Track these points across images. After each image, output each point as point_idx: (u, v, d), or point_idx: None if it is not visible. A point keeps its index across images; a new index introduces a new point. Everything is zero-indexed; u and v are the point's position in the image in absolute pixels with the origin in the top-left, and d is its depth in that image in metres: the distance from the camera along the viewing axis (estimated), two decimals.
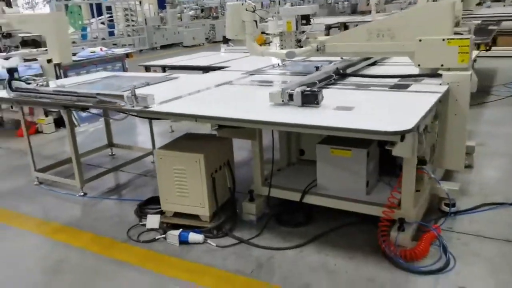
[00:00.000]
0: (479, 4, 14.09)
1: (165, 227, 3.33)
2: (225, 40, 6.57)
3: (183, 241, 3.14)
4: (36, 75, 6.18)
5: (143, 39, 16.48)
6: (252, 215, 3.42)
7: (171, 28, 17.47)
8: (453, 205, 3.33)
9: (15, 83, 3.80)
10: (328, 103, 2.84)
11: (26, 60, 6.43)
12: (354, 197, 3.14)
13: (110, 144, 5.18)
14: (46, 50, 6.60)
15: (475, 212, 3.36)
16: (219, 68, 4.78)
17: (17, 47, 7.38)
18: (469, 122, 5.65)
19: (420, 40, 3.36)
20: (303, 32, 3.96)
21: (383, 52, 3.79)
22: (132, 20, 16.28)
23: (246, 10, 3.70)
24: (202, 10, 20.85)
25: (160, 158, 3.23)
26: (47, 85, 3.83)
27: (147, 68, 5.78)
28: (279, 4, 19.58)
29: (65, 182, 4.23)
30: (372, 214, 3.03)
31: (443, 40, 3.27)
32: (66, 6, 13.46)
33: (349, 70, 3.84)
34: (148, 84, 3.65)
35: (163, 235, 3.22)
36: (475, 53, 4.50)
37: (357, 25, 8.09)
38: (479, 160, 4.31)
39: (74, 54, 6.96)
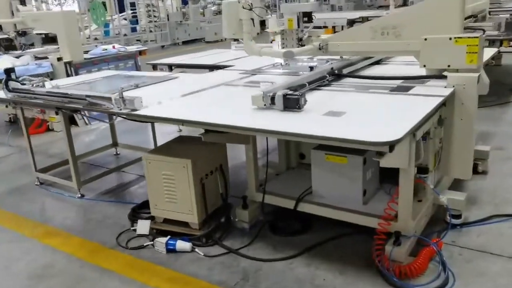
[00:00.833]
0: None
1: (155, 234, 3.24)
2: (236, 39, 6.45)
3: (170, 249, 3.04)
4: (47, 74, 6.31)
5: (165, 35, 16.52)
6: (245, 223, 3.28)
7: (193, 24, 17.44)
8: (459, 216, 3.10)
9: (12, 84, 3.77)
10: (317, 108, 2.67)
11: (38, 58, 6.46)
12: (350, 207, 2.96)
13: (115, 144, 5.14)
14: (58, 48, 6.62)
15: (484, 224, 3.12)
16: (224, 67, 4.66)
17: (32, 45, 7.43)
18: (489, 123, 5.47)
19: (425, 39, 3.13)
20: (305, 30, 3.80)
21: (387, 51, 3.57)
22: (155, 16, 16.32)
23: (243, 7, 3.55)
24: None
25: (148, 162, 3.14)
26: (43, 86, 3.78)
27: (154, 67, 5.73)
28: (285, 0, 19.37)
29: (64, 184, 4.20)
30: (368, 225, 2.85)
31: (450, 39, 3.03)
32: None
33: (348, 70, 3.65)
34: (137, 86, 3.55)
35: (152, 242, 3.13)
36: (491, 51, 4.19)
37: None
38: (495, 165, 4.04)
39: (86, 52, 6.98)
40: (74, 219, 3.72)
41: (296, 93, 2.67)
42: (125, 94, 3.01)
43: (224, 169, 3.33)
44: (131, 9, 16.37)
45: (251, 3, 3.50)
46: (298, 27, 3.80)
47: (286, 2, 21.20)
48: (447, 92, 2.87)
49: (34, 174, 4.42)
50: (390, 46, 3.38)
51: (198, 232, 3.12)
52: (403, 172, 2.66)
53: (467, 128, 2.99)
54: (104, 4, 15.35)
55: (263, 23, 3.85)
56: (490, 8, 9.12)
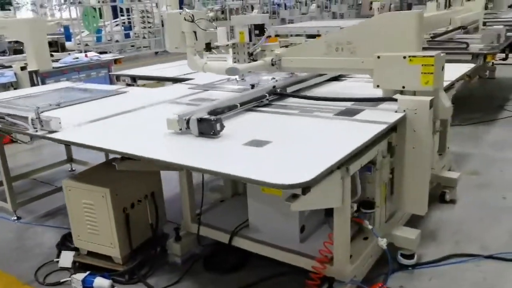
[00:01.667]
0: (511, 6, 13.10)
1: (77, 267, 2.94)
2: (208, 48, 6.17)
3: (88, 287, 2.74)
4: (11, 83, 6.07)
5: (159, 41, 16.29)
6: (177, 257, 2.98)
7: None
8: (411, 256, 2.77)
9: None
10: (241, 134, 2.37)
11: (4, 67, 6.22)
12: (285, 245, 2.64)
13: (70, 159, 4.86)
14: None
15: (439, 265, 2.79)
16: (184, 80, 4.37)
17: (4, 52, 7.24)
18: (469, 143, 5.13)
19: (378, 57, 2.82)
20: (255, 44, 3.51)
21: (341, 68, 3.25)
22: (149, 22, 16.11)
23: (185, 19, 3.26)
24: (222, 12, 20.50)
25: (68, 190, 2.84)
26: None
27: (117, 78, 5.46)
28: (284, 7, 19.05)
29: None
30: (302, 267, 2.53)
31: (404, 57, 2.72)
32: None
33: (298, 88, 3.34)
34: (59, 105, 3.25)
35: (69, 278, 2.83)
36: (465, 68, 3.87)
37: None
38: (466, 193, 3.71)
39: (56, 60, 6.74)
40: (1, 246, 3.43)
41: (212, 117, 2.37)
42: (50, 113, 2.74)
43: (158, 197, 3.03)
44: (126, 15, 16.18)
45: (192, 15, 3.22)
46: (250, 40, 3.53)
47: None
48: (395, 117, 2.56)
49: None
50: (344, 63, 3.09)
51: (121, 268, 2.81)
52: (337, 211, 2.34)
53: (421, 157, 2.67)
54: (99, 10, 15.15)
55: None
56: (486, 19, 8.80)
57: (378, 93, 2.89)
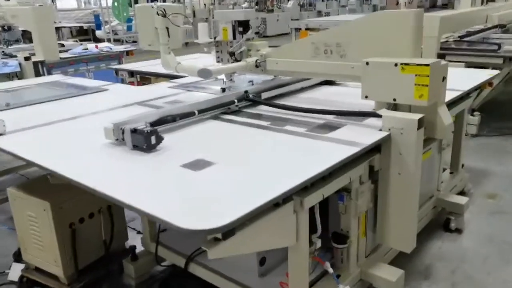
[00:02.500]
0: None
1: (25, 283, 2.71)
2: None
3: None
4: (15, 73, 5.96)
5: (189, 32, 16.09)
6: (132, 278, 2.68)
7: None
8: None
9: None
10: (186, 150, 2.04)
11: (10, 56, 6.13)
12: (242, 279, 2.29)
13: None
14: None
15: None
16: (177, 77, 4.06)
17: (17, 41, 7.16)
18: (492, 159, 4.53)
19: (367, 63, 2.40)
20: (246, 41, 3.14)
21: (329, 74, 2.83)
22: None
23: (157, 14, 2.93)
24: (257, 3, 20.06)
25: (13, 199, 2.60)
26: None
27: (116, 72, 5.24)
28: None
29: None
30: None
31: (396, 65, 2.29)
32: None
33: (275, 93, 2.97)
34: (8, 105, 2.99)
35: None
36: (485, 76, 3.36)
37: None
38: (476, 221, 3.21)
39: (66, 51, 6.61)
40: None
41: (146, 128, 2.03)
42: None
43: (116, 211, 2.74)
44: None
45: (164, 9, 2.88)
46: (234, 38, 3.16)
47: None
48: (376, 137, 2.14)
49: None
50: (332, 68, 2.68)
51: None
52: (292, 250, 1.96)
53: (407, 185, 2.24)
54: None
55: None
56: None
57: (371, 103, 2.47)
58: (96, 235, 2.65)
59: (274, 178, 1.74)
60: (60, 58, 6.23)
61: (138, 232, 3.17)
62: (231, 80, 3.45)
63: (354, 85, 3.25)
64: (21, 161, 2.18)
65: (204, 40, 3.27)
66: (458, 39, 5.30)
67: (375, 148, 2.23)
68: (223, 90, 2.96)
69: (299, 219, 1.85)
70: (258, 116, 2.61)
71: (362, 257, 2.43)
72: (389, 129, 2.20)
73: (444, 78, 2.40)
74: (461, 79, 3.32)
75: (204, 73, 2.81)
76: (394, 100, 2.34)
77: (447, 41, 5.63)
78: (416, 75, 2.25)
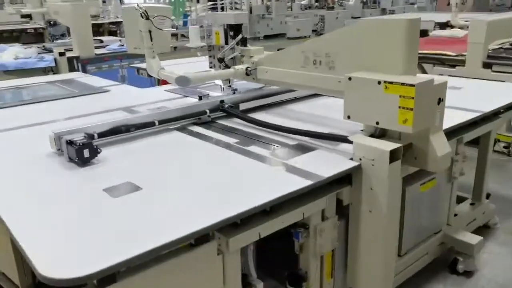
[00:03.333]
0: None
1: None
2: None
3: None
4: (51, 68, 6.12)
5: (245, 28, 15.97)
6: None
7: (278, 18, 16.66)
8: None
9: None
10: (121, 168, 1.88)
11: (49, 51, 6.31)
12: None
13: None
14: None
15: None
16: None
17: (63, 35, 7.39)
18: None
19: (349, 78, 2.08)
20: (234, 47, 2.91)
21: (316, 87, 2.51)
22: (236, 8, 15.87)
23: (141, 16, 2.77)
24: (317, 0, 19.56)
25: None
26: None
27: (138, 71, 5.19)
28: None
29: None
30: None
31: (379, 82, 1.96)
32: None
33: (259, 103, 2.72)
34: None
35: None
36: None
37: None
38: (491, 263, 2.76)
39: (104, 47, 6.71)
40: None
41: (80, 140, 1.88)
42: None
43: None
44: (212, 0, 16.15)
45: (145, 11, 2.71)
46: (226, 43, 2.94)
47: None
48: (342, 168, 1.83)
49: None
50: (319, 81, 2.38)
51: None
52: None
53: (378, 227, 1.91)
54: None
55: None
56: None
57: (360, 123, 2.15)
58: None
59: (196, 213, 1.51)
60: (96, 54, 6.34)
61: None
62: (229, 86, 3.23)
63: None
64: None
65: (195, 44, 3.08)
66: (498, 47, 4.68)
67: (345, 179, 1.92)
68: (200, 98, 2.74)
69: (226, 262, 1.60)
70: (229, 131, 2.38)
71: None
72: (360, 159, 1.88)
73: (440, 100, 2.02)
74: (493, 95, 2.91)
75: (182, 81, 2.61)
76: (377, 123, 2.01)
77: (499, 48, 5.01)
78: (400, 96, 1.90)
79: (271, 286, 1.99)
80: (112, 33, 14.88)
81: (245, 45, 2.92)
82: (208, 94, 2.78)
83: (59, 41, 7.23)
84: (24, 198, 1.67)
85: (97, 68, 6.29)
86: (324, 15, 17.19)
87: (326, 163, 1.88)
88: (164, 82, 4.82)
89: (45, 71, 6.03)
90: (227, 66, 2.91)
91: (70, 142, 1.88)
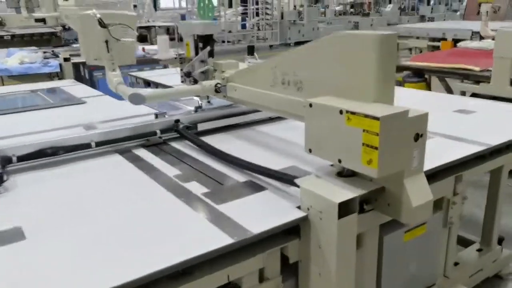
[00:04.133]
0: None
1: None
2: (251, 51, 5.29)
3: None
4: (56, 74, 6.00)
5: (275, 34, 15.69)
6: None
7: (309, 24, 16.24)
8: None
9: None
10: (16, 207, 1.58)
11: (56, 56, 6.21)
12: None
13: None
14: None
15: None
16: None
17: (76, 40, 7.31)
18: None
19: (310, 105, 1.71)
20: (204, 61, 2.59)
21: (282, 110, 2.14)
22: (267, 14, 15.61)
23: (99, 24, 2.49)
24: (352, 6, 18.96)
25: None
26: None
27: (136, 80, 4.96)
28: (427, 2, 16.48)
29: None
30: None
31: (341, 112, 1.58)
32: None
33: (222, 123, 2.39)
34: None
35: None
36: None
37: None
38: None
39: None
40: None
41: None
42: None
43: None
44: (243, 5, 15.95)
45: (101, 18, 2.42)
46: (196, 54, 2.62)
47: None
48: (283, 219, 1.46)
49: None
50: (286, 104, 2.02)
51: None
52: None
53: None
54: None
55: None
56: None
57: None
58: None
59: (69, 278, 1.19)
60: None
61: None
62: (208, 102, 2.90)
63: None
64: None
65: (163, 56, 2.78)
66: None
67: (294, 231, 1.55)
68: (156, 116, 2.43)
69: None
70: (177, 157, 2.07)
71: None
72: (308, 209, 1.51)
73: (419, 136, 1.61)
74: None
75: (135, 99, 2.30)
76: (340, 161, 1.63)
77: None
78: (364, 130, 1.52)
79: None
80: (143, 39, 14.94)
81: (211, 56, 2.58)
82: (165, 112, 2.46)
83: (74, 45, 7.15)
84: None
85: (104, 75, 6.12)
86: (358, 22, 16.62)
87: (267, 212, 1.52)
88: None
89: (50, 76, 5.93)
90: (195, 81, 2.59)
91: None
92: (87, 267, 1.24)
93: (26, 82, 5.14)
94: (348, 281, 1.50)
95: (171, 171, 1.90)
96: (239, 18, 15.05)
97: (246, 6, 16.20)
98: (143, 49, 6.70)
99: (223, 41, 14.20)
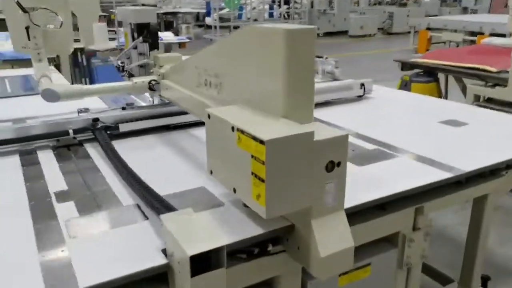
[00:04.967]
0: None
1: None
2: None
3: None
4: (54, 59, 5.82)
5: (304, 24, 15.11)
6: None
7: (340, 14, 15.57)
8: None
9: None
10: None
11: None
12: None
13: None
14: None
15: None
16: None
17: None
18: None
19: (208, 116, 1.35)
20: (143, 54, 2.27)
21: (197, 114, 1.79)
22: (296, 2, 15.05)
23: (20, 9, 2.19)
24: None
25: None
26: None
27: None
28: None
29: None
30: None
31: (233, 129, 1.22)
32: None
33: (147, 125, 2.05)
34: None
35: None
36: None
37: None
38: None
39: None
40: None
41: None
42: None
43: None
44: None
45: (18, 2, 2.12)
46: (135, 47, 2.30)
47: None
48: (136, 267, 1.12)
49: None
50: (200, 107, 1.67)
51: None
52: None
53: None
54: None
55: None
56: None
57: None
58: None
59: None
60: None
61: None
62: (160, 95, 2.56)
63: None
64: None
65: (100, 47, 2.47)
66: None
67: (163, 277, 1.21)
68: (79, 112, 2.11)
69: None
70: (76, 165, 1.75)
71: None
72: (172, 256, 1.16)
73: (334, 165, 1.22)
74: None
75: (49, 95, 2.00)
76: (234, 191, 1.27)
77: None
78: (252, 156, 1.15)
79: None
80: (169, 25, 14.75)
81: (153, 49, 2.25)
82: (88, 109, 2.14)
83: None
84: None
85: (103, 62, 5.91)
86: (393, 12, 15.79)
87: (125, 253, 1.18)
88: None
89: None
90: (130, 75, 2.27)
91: None
92: None
93: (22, 67, 4.98)
94: None
95: (57, 183, 1.59)
96: (267, 6, 14.55)
97: None
98: None
99: None
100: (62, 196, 1.51)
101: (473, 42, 7.84)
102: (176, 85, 1.96)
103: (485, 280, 2.19)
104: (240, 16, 14.41)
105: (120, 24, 2.25)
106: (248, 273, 1.30)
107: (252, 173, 1.15)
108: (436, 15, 15.60)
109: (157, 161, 1.81)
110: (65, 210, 1.41)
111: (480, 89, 3.76)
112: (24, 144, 1.91)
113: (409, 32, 11.83)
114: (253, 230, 1.27)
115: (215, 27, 13.08)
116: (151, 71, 2.21)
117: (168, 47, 6.26)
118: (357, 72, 10.07)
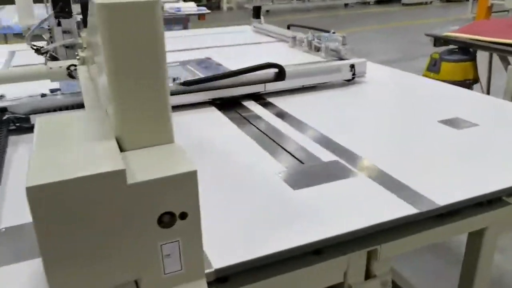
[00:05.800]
0: None
1: None
2: (256, 13, 4.37)
3: None
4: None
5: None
6: None
7: None
8: None
9: None
10: None
11: None
12: None
13: None
14: None
15: None
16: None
17: None
18: None
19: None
20: (69, 31, 1.90)
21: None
22: None
23: None
24: None
25: None
26: None
27: None
28: None
29: None
30: None
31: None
32: None
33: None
34: None
35: None
36: None
37: None
38: None
39: None
40: None
41: None
42: None
43: None
44: None
45: None
46: (50, 32, 1.94)
47: None
48: None
49: None
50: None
51: None
52: None
53: None
54: None
55: None
56: None
57: None
58: None
59: None
60: None
61: None
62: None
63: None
64: None
65: (23, 23, 2.10)
66: None
67: None
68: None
69: None
70: None
71: None
72: None
73: (175, 218, 0.79)
74: None
75: None
76: None
77: None
78: None
79: None
80: None
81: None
82: (4, 95, 1.79)
83: None
84: None
85: None
86: None
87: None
88: None
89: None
90: (53, 59, 1.90)
91: None
92: None
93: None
94: None
95: None
96: None
97: None
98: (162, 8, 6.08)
99: None
100: None
101: None
102: (87, 73, 1.58)
103: None
104: None
105: None
106: None
107: None
108: None
109: None
110: None
111: None
112: None
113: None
114: None
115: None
116: (77, 54, 1.83)
117: (186, 21, 5.87)
118: (398, 45, 9.19)
